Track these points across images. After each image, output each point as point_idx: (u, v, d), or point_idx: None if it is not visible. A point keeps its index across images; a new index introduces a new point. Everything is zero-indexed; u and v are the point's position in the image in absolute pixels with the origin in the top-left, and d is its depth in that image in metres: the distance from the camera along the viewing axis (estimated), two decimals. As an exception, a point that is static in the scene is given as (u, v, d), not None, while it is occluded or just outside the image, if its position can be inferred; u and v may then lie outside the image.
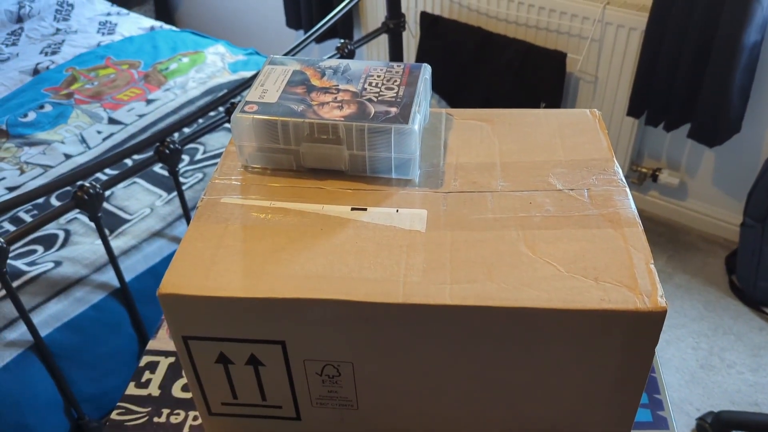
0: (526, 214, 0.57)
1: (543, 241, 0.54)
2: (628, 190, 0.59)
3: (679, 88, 1.60)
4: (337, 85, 0.64)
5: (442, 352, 0.52)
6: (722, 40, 1.47)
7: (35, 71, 1.79)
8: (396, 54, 1.65)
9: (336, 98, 0.62)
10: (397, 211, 0.58)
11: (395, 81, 0.64)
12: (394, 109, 0.60)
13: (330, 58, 1.41)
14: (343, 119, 0.59)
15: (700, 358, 1.56)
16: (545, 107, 1.82)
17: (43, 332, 1.10)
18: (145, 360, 0.71)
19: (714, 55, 1.49)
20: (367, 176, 0.62)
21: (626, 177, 1.93)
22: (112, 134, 1.52)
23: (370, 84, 0.64)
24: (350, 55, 1.44)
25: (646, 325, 0.49)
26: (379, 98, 0.62)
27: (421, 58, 2.04)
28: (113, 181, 1.12)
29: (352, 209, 0.58)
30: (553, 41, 1.81)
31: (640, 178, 1.90)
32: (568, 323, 0.49)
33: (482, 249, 0.54)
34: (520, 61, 1.81)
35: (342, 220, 0.57)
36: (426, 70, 0.67)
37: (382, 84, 0.64)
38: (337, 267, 0.52)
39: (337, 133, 0.60)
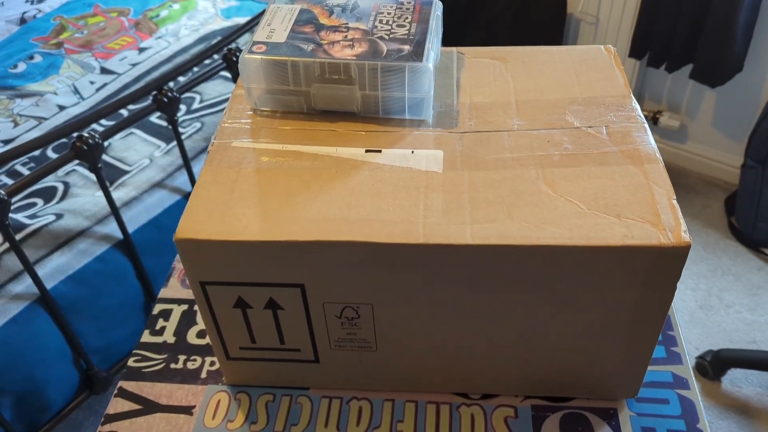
0: (545, 153, 0.56)
1: (563, 179, 0.53)
2: (647, 126, 0.58)
3: (682, 28, 1.57)
4: (347, 24, 0.62)
5: (463, 292, 0.52)
6: (728, -24, 1.43)
7: (22, 20, 1.74)
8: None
9: (346, 36, 0.60)
10: (413, 152, 0.57)
11: (406, 18, 0.62)
12: (407, 47, 0.59)
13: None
14: (354, 58, 0.58)
15: (699, 298, 1.58)
16: (546, 50, 1.78)
17: (48, 285, 1.10)
18: (158, 308, 0.71)
19: (719, -7, 1.46)
20: (379, 118, 0.61)
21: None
22: (105, 84, 1.49)
23: (380, 21, 0.62)
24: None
25: (669, 261, 0.48)
26: (390, 36, 0.60)
27: None
28: (111, 131, 1.10)
29: (367, 151, 0.57)
30: (553, -19, 1.76)
31: (641, 121, 1.89)
32: (590, 260, 0.49)
33: (501, 188, 0.53)
34: (520, 2, 1.77)
35: (356, 162, 0.56)
36: (438, 5, 0.65)
37: (393, 21, 0.62)
38: (354, 209, 0.52)
39: (349, 72, 0.58)
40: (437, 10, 0.64)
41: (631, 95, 0.62)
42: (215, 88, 1.46)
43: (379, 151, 0.57)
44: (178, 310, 0.71)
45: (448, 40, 2.01)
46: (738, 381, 1.40)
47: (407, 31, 0.61)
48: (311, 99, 0.60)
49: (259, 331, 0.57)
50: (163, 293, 0.73)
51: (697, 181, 1.87)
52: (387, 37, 0.60)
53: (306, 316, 0.55)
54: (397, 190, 0.53)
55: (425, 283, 0.52)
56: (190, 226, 0.51)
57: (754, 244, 1.68)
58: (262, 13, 1.36)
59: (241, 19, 1.68)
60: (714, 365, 1.39)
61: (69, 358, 1.15)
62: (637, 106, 0.60)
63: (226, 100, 1.42)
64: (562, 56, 0.67)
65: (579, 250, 0.48)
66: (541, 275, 0.50)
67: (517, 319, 0.54)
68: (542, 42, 1.81)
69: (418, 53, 0.58)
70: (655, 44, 1.64)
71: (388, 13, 0.63)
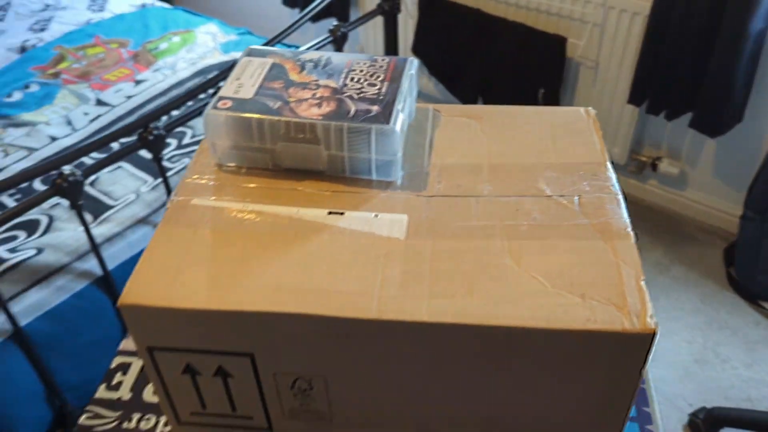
0: (513, 222, 0.54)
1: (529, 253, 0.51)
2: (620, 197, 0.56)
3: (681, 77, 1.56)
4: (317, 80, 0.61)
5: (419, 368, 0.50)
6: (727, 27, 1.42)
7: (22, 49, 1.75)
8: (391, 37, 1.60)
9: (315, 95, 0.59)
10: (376, 216, 0.55)
11: (378, 76, 0.61)
12: (375, 108, 0.57)
13: (322, 41, 1.37)
14: (320, 118, 0.56)
15: (695, 352, 1.54)
16: (544, 93, 1.78)
17: (23, 321, 1.08)
18: (116, 361, 0.69)
19: (719, 43, 1.45)
20: (347, 177, 0.59)
21: (625, 166, 1.89)
22: (99, 116, 1.48)
23: (351, 79, 0.61)
24: (343, 38, 1.39)
25: (633, 347, 0.46)
26: (360, 95, 0.59)
27: (418, 40, 1.99)
28: (96, 167, 1.09)
29: (329, 213, 0.55)
30: (553, 25, 1.76)
31: (639, 166, 1.87)
32: (551, 343, 0.46)
33: (464, 260, 0.51)
34: (519, 45, 1.77)
35: (317, 225, 0.54)
36: (412, 64, 0.63)
37: (365, 80, 0.61)
38: (309, 278, 0.49)
39: (315, 132, 0.57)
40: (411, 69, 0.63)
41: (607, 162, 0.60)
42: (208, 124, 1.45)
43: (342, 214, 0.55)
44: (137, 364, 0.69)
45: (447, 81, 2.01)
46: (732, 441, 1.36)
47: (378, 91, 0.59)
48: (277, 157, 0.59)
49: (210, 397, 0.55)
50: (125, 345, 0.70)
51: (695, 230, 1.84)
52: (356, 97, 0.58)
53: (257, 385, 0.53)
54: (355, 258, 0.51)
55: (380, 358, 0.49)
56: (136, 291, 0.49)
57: (753, 297, 1.64)
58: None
59: (240, 55, 1.68)
60: (707, 423, 1.35)
61: (42, 396, 1.13)
62: (613, 175, 0.58)
63: (218, 136, 1.40)
64: (541, 118, 0.66)
65: (538, 332, 0.46)
66: (500, 355, 0.48)
67: (478, 399, 0.51)
68: (542, 84, 1.80)
69: (386, 115, 0.56)
70: (655, 92, 1.63)
71: (361, 71, 0.62)
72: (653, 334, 0.45)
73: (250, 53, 0.64)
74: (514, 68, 1.81)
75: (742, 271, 1.66)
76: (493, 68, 1.85)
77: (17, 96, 1.53)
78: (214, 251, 0.52)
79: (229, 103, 0.58)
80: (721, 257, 1.76)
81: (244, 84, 0.60)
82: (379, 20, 1.66)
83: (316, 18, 2.26)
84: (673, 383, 1.48)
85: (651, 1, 1.54)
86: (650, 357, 0.47)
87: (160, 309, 0.48)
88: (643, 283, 0.48)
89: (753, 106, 1.59)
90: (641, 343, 0.45)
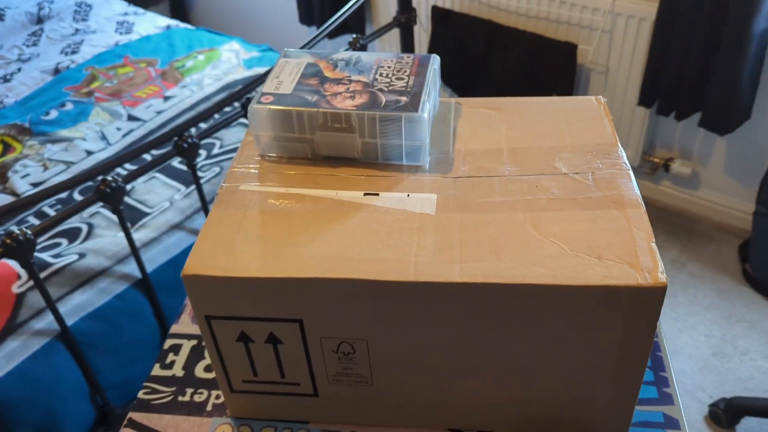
0: (532, 197, 0.59)
1: (548, 222, 0.56)
2: (631, 173, 0.61)
3: (689, 77, 1.61)
4: (349, 76, 0.67)
5: (453, 329, 0.55)
6: (732, 28, 1.47)
7: (56, 71, 1.83)
8: (407, 48, 1.67)
9: (348, 89, 0.65)
10: (408, 195, 0.61)
11: (405, 71, 0.67)
12: (404, 98, 0.63)
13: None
14: (355, 108, 0.62)
15: (713, 345, 1.57)
16: (556, 98, 1.83)
17: (69, 321, 1.14)
18: (169, 343, 0.74)
19: (724, 44, 1.50)
20: (379, 163, 0.64)
21: (638, 167, 1.94)
22: (131, 131, 1.56)
23: (381, 75, 0.66)
24: (362, 49, 1.46)
25: (647, 300, 0.51)
26: (389, 88, 0.64)
27: (432, 51, 2.06)
28: (133, 175, 1.15)
29: (365, 194, 0.61)
30: (563, 33, 1.82)
31: (653, 168, 1.91)
32: (572, 299, 0.51)
33: (490, 230, 0.56)
34: (531, 53, 1.83)
35: (355, 204, 0.60)
36: (435, 60, 0.69)
37: (393, 74, 0.66)
38: (350, 248, 0.55)
39: (350, 121, 0.62)
40: (434, 64, 0.68)
41: (618, 143, 0.65)
42: (235, 135, 1.52)
43: (377, 195, 0.61)
44: (187, 345, 0.74)
45: (462, 91, 2.07)
46: (752, 430, 1.38)
47: (405, 84, 0.65)
48: (315, 146, 0.65)
49: (261, 364, 0.60)
50: (175, 329, 0.76)
51: (710, 228, 1.88)
52: (386, 89, 0.64)
53: (305, 350, 0.58)
54: (391, 231, 0.57)
55: (416, 319, 0.55)
56: (196, 263, 0.54)
57: (769, 291, 1.67)
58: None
59: (262, 70, 1.76)
60: (728, 413, 1.38)
61: (86, 394, 1.19)
62: (623, 154, 0.64)
63: (245, 145, 1.48)
64: (555, 107, 0.71)
65: (560, 288, 0.51)
66: (527, 313, 0.53)
67: (507, 357, 0.56)
68: (554, 90, 1.86)
69: (414, 104, 0.62)
70: (664, 93, 1.68)
71: (389, 67, 0.68)
72: (664, 288, 0.50)
73: (287, 55, 0.71)
74: (527, 76, 1.87)
75: (757, 266, 1.69)
76: (506, 76, 1.91)
77: (54, 114, 1.61)
78: (263, 228, 0.57)
79: (271, 98, 0.64)
80: (736, 254, 1.79)
81: (283, 81, 0.66)
82: (394, 34, 1.73)
83: (332, 35, 2.34)
84: (694, 376, 1.51)
85: (657, 6, 1.60)
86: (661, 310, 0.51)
87: (217, 278, 0.54)
88: (653, 244, 0.53)
89: (761, 104, 1.63)
90: (654, 296, 0.50)
